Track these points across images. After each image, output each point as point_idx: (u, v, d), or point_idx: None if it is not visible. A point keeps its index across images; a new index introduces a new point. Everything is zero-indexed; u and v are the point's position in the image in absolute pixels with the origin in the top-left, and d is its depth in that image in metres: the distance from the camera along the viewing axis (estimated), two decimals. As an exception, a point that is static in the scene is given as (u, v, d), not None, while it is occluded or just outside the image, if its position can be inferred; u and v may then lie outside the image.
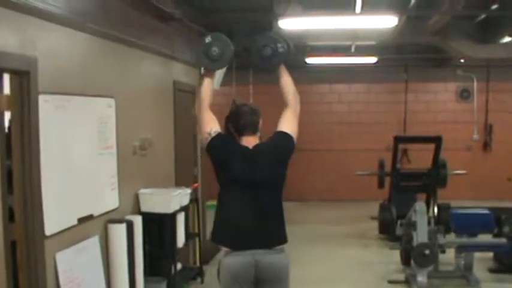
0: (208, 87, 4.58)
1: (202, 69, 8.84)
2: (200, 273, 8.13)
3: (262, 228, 4.34)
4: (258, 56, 4.54)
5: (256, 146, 4.44)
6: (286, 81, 4.58)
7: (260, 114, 4.56)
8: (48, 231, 4.71)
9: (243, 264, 4.25)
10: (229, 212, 4.41)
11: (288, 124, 4.53)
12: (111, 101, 5.94)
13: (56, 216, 4.83)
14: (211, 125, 4.45)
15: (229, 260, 4.29)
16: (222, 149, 4.42)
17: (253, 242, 4.29)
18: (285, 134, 4.49)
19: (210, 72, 4.66)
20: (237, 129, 4.49)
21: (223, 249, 4.38)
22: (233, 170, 4.37)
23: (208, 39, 4.59)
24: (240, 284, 4.26)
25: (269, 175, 4.40)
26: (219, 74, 8.71)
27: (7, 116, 4.51)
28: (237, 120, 4.50)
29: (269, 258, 4.28)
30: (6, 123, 4.53)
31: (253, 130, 4.48)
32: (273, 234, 4.38)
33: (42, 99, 4.58)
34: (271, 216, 4.44)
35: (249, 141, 4.44)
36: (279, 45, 4.50)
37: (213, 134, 4.42)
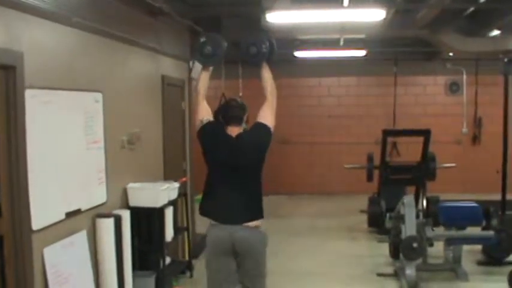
0: (204, 80, 5.32)
1: (191, 63, 8.91)
2: (189, 267, 8.13)
3: (240, 206, 5.03)
4: (244, 52, 5.26)
5: (238, 135, 5.13)
6: (266, 78, 5.25)
7: (246, 109, 5.24)
8: (35, 226, 4.69)
9: (222, 237, 4.99)
10: (213, 190, 5.15)
11: (265, 116, 5.17)
12: (99, 96, 5.93)
13: (43, 210, 4.81)
14: (203, 114, 5.21)
15: (213, 231, 5.08)
16: (209, 135, 5.16)
17: (231, 218, 5.01)
18: (263, 124, 5.15)
19: (206, 68, 5.33)
20: (225, 119, 5.17)
21: (210, 221, 5.09)
22: (217, 154, 5.13)
23: (203, 39, 5.28)
24: (220, 253, 5.02)
25: (247, 160, 5.09)
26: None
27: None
28: (225, 112, 5.19)
29: (244, 233, 4.98)
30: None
31: (238, 122, 5.17)
32: (248, 212, 5.06)
33: (28, 94, 4.57)
34: (249, 196, 5.11)
35: (234, 131, 5.13)
36: (263, 45, 5.22)
37: (204, 122, 5.17)
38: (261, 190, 5.20)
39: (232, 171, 5.06)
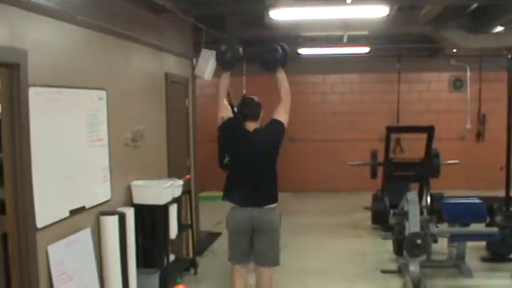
0: (224, 82, 6.14)
1: (194, 61, 8.92)
2: (193, 264, 8.14)
3: (257, 192, 5.88)
4: (260, 58, 6.04)
5: (255, 130, 5.97)
6: (281, 81, 6.02)
7: (261, 107, 6.04)
8: (39, 223, 4.71)
9: (242, 218, 5.88)
10: (234, 177, 6.07)
11: (280, 113, 5.99)
12: (102, 93, 5.94)
13: (47, 208, 4.83)
14: (224, 112, 6.07)
15: (234, 213, 5.96)
16: (230, 130, 6.03)
17: (250, 201, 5.86)
18: (278, 120, 5.97)
19: (225, 71, 6.13)
20: (243, 116, 6.02)
21: (231, 204, 5.97)
22: (237, 146, 6.02)
23: (223, 47, 6.15)
24: (240, 229, 5.90)
25: (263, 151, 5.94)
26: (211, 65, 8.72)
27: (-3, 109, 4.51)
28: (243, 109, 6.07)
29: (261, 214, 5.84)
30: (-3, 116, 4.53)
31: (255, 118, 5.99)
32: (265, 197, 5.91)
33: (32, 91, 4.58)
34: (265, 183, 5.94)
35: (251, 126, 5.97)
36: (277, 53, 5.99)
37: (225, 118, 6.03)
38: (276, 177, 6.02)
39: (250, 161, 5.91)
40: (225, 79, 6.13)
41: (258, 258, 6.01)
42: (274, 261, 6.05)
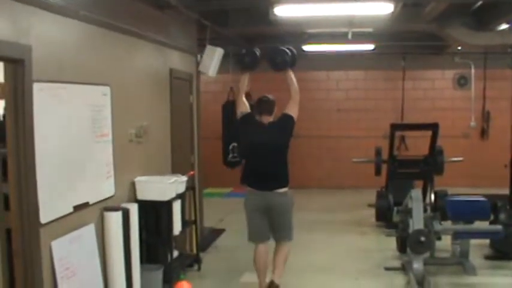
0: (244, 81, 7.08)
1: (198, 57, 8.93)
2: (197, 260, 8.15)
3: (271, 178, 6.74)
4: (271, 60, 6.95)
5: (269, 123, 6.87)
6: (290, 81, 6.92)
7: (275, 104, 6.94)
8: (43, 219, 4.72)
9: (257, 200, 6.72)
10: (250, 164, 7.05)
11: (290, 109, 6.90)
12: (107, 89, 5.94)
13: (51, 204, 4.84)
14: (242, 108, 6.97)
15: (251, 196, 6.80)
16: (247, 123, 6.96)
17: (265, 186, 6.70)
18: (289, 115, 6.87)
19: (245, 72, 7.09)
20: (259, 111, 6.92)
21: (248, 188, 6.81)
22: (253, 137, 6.90)
23: (243, 51, 7.26)
24: (256, 210, 6.73)
25: (276, 141, 6.80)
26: (215, 61, 8.73)
27: (1, 104, 4.51)
28: (260, 105, 6.94)
29: (274, 197, 6.70)
30: (1, 112, 4.53)
31: (269, 113, 6.88)
32: (277, 182, 6.75)
33: (36, 87, 4.58)
34: (278, 169, 6.81)
35: (266, 119, 6.87)
36: (286, 56, 6.93)
37: (244, 113, 6.96)
38: (287, 164, 6.88)
39: (264, 150, 6.75)
40: (245, 79, 7.08)
41: (274, 235, 6.89)
42: (288, 237, 6.93)
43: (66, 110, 5.11)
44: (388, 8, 7.69)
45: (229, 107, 11.81)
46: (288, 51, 6.95)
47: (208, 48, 8.84)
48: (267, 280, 6.85)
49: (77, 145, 5.33)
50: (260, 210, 6.73)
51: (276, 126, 6.86)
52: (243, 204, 6.83)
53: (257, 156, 6.82)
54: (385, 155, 10.62)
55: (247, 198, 6.83)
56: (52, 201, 4.85)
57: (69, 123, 5.18)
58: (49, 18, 4.88)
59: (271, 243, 6.93)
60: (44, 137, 4.69)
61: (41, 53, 4.66)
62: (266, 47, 7.37)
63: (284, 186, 6.79)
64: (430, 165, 10.16)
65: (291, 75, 6.92)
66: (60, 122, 5.01)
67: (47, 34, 4.84)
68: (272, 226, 6.83)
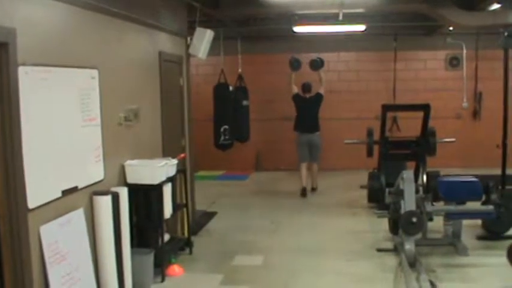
0: (292, 77, 12.21)
1: (189, 39, 8.81)
2: (188, 244, 8.12)
3: (310, 125, 12.09)
4: (311, 65, 12.21)
5: (310, 97, 12.20)
6: (320, 76, 12.20)
7: (312, 86, 12.19)
8: (31, 204, 4.68)
9: (303, 138, 12.14)
10: (299, 118, 12.27)
11: (321, 90, 12.18)
12: (95, 72, 5.88)
13: (39, 189, 4.79)
14: (294, 90, 12.21)
15: (300, 136, 12.18)
16: (297, 98, 12.25)
17: (307, 130, 12.10)
18: (319, 93, 12.21)
19: (293, 72, 12.25)
20: (303, 90, 12.22)
21: (298, 132, 12.23)
22: (300, 104, 12.22)
23: (293, 59, 12.28)
24: (303, 145, 12.15)
25: (312, 106, 12.08)
26: (206, 44, 8.69)
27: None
28: (304, 86, 12.19)
29: (313, 137, 12.12)
30: (-14, 96, 4.47)
31: (309, 91, 12.20)
32: (314, 128, 12.12)
33: (22, 71, 4.53)
34: (314, 120, 12.12)
35: (307, 95, 12.20)
36: (319, 62, 12.24)
37: (294, 93, 12.23)
38: (319, 118, 12.14)
39: (307, 111, 12.11)
40: (292, 76, 12.23)
41: (311, 158, 12.22)
42: (318, 160, 12.36)
43: (53, 93, 5.05)
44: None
45: (221, 89, 11.78)
46: (319, 60, 12.23)
47: (198, 30, 8.78)
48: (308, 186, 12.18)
49: (65, 129, 5.28)
50: (305, 144, 12.04)
51: (313, 99, 12.12)
52: (295, 141, 12.25)
53: (302, 114, 12.13)
54: (377, 136, 10.59)
55: (297, 138, 12.17)
56: (40, 186, 4.81)
57: (57, 107, 5.12)
58: (34, 0, 4.81)
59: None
60: (30, 121, 4.63)
61: (27, 35, 4.60)
62: (310, 58, 12.29)
63: (318, 130, 12.09)
64: (422, 146, 10.14)
65: (321, 73, 12.19)
66: (47, 105, 4.96)
67: (32, 17, 4.78)
68: (310, 153, 12.09)
